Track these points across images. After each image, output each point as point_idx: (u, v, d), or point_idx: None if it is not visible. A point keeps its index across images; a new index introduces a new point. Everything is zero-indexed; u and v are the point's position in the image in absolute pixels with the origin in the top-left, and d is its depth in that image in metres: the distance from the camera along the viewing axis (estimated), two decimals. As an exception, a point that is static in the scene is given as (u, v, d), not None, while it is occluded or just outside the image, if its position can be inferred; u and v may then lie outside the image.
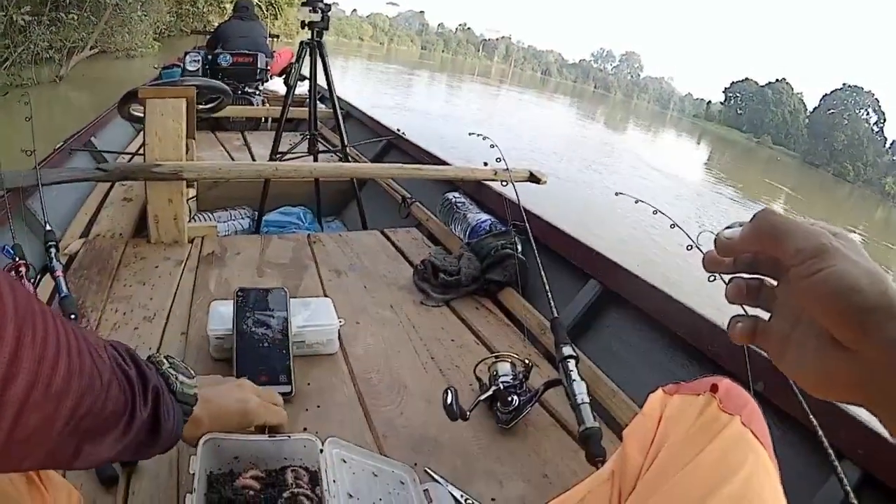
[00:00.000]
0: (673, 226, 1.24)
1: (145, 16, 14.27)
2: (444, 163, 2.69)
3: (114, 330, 1.37)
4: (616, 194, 1.59)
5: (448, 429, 1.17)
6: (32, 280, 1.34)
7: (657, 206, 1.37)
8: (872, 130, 64.51)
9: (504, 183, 2.15)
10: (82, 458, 0.57)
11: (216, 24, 5.56)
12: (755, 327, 0.40)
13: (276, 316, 1.30)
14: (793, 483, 0.63)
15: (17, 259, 1.33)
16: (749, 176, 22.03)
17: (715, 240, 0.40)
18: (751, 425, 0.66)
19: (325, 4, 2.61)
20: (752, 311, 0.42)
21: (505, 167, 2.15)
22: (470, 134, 2.32)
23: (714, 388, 0.70)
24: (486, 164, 2.22)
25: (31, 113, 1.84)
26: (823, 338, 0.34)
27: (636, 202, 1.47)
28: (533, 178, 2.31)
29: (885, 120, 64.98)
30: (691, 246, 1.09)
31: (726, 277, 0.43)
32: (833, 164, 60.96)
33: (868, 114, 65.88)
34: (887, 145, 64.13)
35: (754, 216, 0.37)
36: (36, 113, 1.88)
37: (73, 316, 1.23)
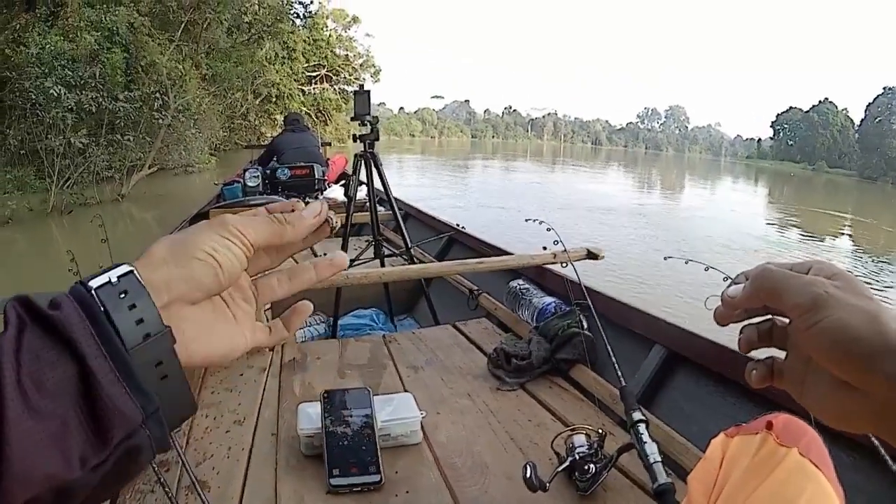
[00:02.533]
0: (726, 279, 1.29)
1: (199, 133, 14.92)
2: (505, 252, 2.78)
3: (206, 433, 1.50)
4: (665, 258, 1.65)
5: (531, 501, 1.21)
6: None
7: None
8: (922, 129, 61.66)
9: (564, 264, 2.22)
10: None
11: (268, 136, 5.86)
12: (771, 371, 0.41)
13: (361, 413, 1.39)
14: None
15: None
16: (809, 211, 21.17)
17: (721, 298, 0.42)
18: (809, 455, 0.68)
19: (373, 117, 2.82)
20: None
21: (563, 248, 2.23)
22: (527, 220, 2.42)
23: (770, 425, 0.73)
24: (545, 248, 2.30)
25: (105, 234, 1.94)
26: (834, 378, 0.35)
27: (686, 262, 1.52)
28: (591, 255, 2.38)
29: (932, 115, 62.09)
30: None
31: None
32: (890, 174, 58.36)
33: (915, 112, 63.17)
34: (938, 141, 60.83)
35: (754, 273, 0.39)
36: (103, 231, 1.96)
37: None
